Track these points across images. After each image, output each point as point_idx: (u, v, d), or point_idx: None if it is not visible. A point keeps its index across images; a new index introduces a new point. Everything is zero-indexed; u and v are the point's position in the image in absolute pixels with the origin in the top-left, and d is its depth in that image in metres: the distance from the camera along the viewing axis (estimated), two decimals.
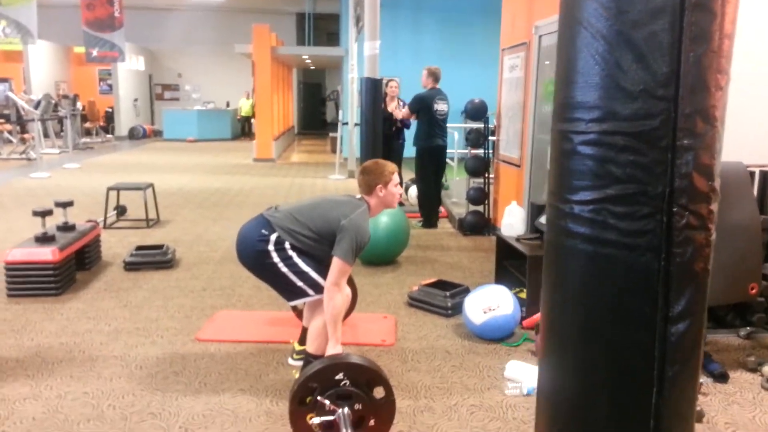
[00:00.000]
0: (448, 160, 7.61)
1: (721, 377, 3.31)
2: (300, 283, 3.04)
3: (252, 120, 20.26)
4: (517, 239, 4.57)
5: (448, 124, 7.38)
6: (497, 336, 3.85)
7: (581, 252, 1.36)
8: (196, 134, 19.70)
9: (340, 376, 2.50)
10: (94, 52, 15.77)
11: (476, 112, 7.00)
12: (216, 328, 4.00)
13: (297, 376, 3.10)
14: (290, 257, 3.01)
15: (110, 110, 20.40)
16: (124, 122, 20.13)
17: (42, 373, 3.32)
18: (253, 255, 3.07)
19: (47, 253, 4.49)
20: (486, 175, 7.11)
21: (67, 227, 5.00)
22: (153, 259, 5.32)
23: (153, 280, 5.01)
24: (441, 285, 4.59)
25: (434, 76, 7.17)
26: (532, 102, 5.88)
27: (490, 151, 7.22)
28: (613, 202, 1.31)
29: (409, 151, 8.06)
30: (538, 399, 1.61)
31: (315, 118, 26.28)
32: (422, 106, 7.08)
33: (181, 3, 21.02)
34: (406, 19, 14.99)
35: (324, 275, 3.01)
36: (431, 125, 7.11)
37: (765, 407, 3.06)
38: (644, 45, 1.23)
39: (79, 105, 16.36)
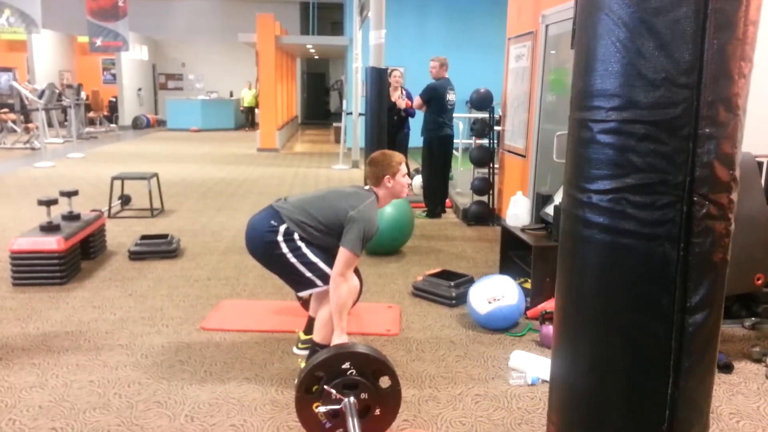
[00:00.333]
0: (453, 150, 7.59)
1: (726, 368, 3.31)
2: (308, 274, 3.03)
3: (255, 110, 20.24)
4: (522, 229, 4.55)
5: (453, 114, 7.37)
6: (502, 326, 3.85)
7: (599, 242, 1.35)
8: (199, 124, 19.68)
9: (346, 365, 2.49)
10: (98, 42, 15.75)
11: (481, 101, 6.96)
12: (221, 318, 3.99)
13: (302, 365, 3.11)
14: (299, 248, 3.01)
15: (114, 100, 20.37)
16: (127, 112, 20.10)
17: (48, 362, 3.32)
18: (261, 246, 3.06)
19: (53, 243, 4.48)
20: (491, 166, 7.09)
21: (72, 216, 5.00)
22: (158, 249, 5.31)
23: (158, 269, 5.01)
24: (445, 275, 4.58)
25: (446, 66, 7.16)
26: (538, 92, 5.84)
27: (495, 141, 7.19)
28: (633, 191, 1.29)
29: (415, 140, 8.04)
30: (551, 388, 1.60)
31: (319, 108, 26.22)
32: (436, 96, 7.06)
33: None
34: (410, 8, 14.92)
35: (332, 266, 3.01)
36: (442, 115, 7.10)
37: None
38: (667, 32, 1.21)
39: (82, 94, 16.32)
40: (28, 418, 2.76)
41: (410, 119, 8.30)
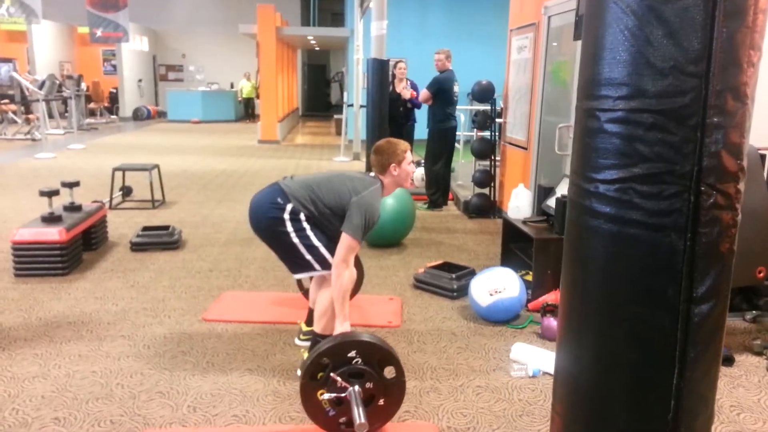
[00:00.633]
0: (455, 143, 7.61)
1: (727, 360, 3.31)
2: (308, 257, 3.02)
3: (254, 101, 20.17)
4: (524, 222, 4.55)
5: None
6: (503, 318, 3.85)
7: (605, 232, 1.34)
8: (200, 115, 19.65)
9: (353, 353, 2.48)
10: (99, 32, 15.71)
11: (483, 94, 6.94)
12: (223, 309, 4.00)
13: (305, 356, 3.11)
14: (303, 229, 2.99)
15: (114, 91, 20.34)
16: (128, 103, 20.08)
17: (50, 352, 3.33)
18: (265, 221, 3.04)
19: (54, 234, 4.48)
20: (492, 158, 7.08)
21: (73, 208, 4.99)
22: (159, 240, 5.31)
23: (159, 260, 5.01)
24: (447, 267, 4.58)
25: (450, 58, 7.17)
26: (540, 84, 5.83)
27: (497, 134, 7.18)
28: (640, 181, 1.28)
29: (420, 133, 8.02)
30: (556, 379, 1.60)
31: (319, 100, 26.17)
32: (443, 88, 7.07)
33: None
34: None
35: (333, 252, 3.01)
36: (449, 107, 7.12)
37: None
38: (676, 20, 1.20)
39: (83, 85, 16.28)
40: (31, 408, 2.77)
41: (416, 111, 8.28)
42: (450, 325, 3.82)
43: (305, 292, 3.83)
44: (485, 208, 6.90)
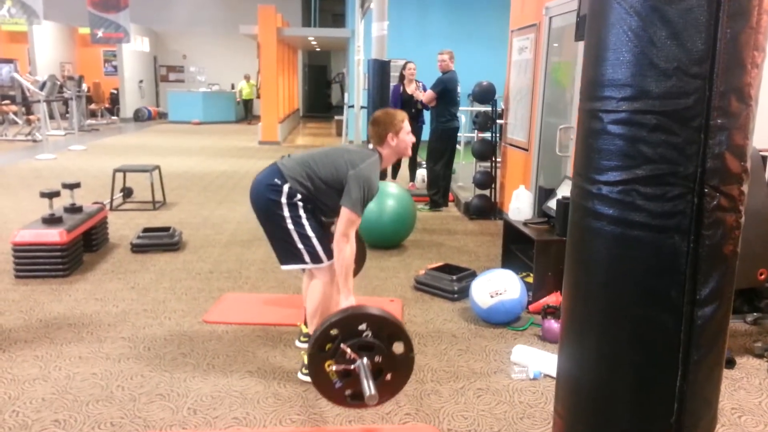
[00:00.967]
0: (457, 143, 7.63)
1: (728, 363, 3.30)
2: (300, 246, 3.01)
3: (253, 102, 20.11)
4: (525, 223, 4.54)
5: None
6: (504, 320, 3.84)
7: (608, 233, 1.33)
8: (201, 116, 19.65)
9: (363, 326, 2.46)
10: (99, 33, 15.72)
11: (484, 95, 6.94)
12: (223, 311, 3.99)
13: (305, 357, 3.10)
14: (300, 216, 2.99)
15: (115, 92, 20.33)
16: (129, 104, 20.07)
17: (50, 354, 3.32)
18: (263, 202, 3.03)
19: (55, 235, 4.48)
20: (493, 159, 7.07)
21: (74, 209, 4.99)
22: (160, 242, 5.31)
23: (160, 262, 5.00)
24: (447, 269, 4.57)
25: (453, 58, 7.20)
26: (541, 85, 5.82)
27: (498, 135, 7.18)
28: (643, 182, 1.28)
29: (426, 134, 8.03)
30: (558, 381, 1.59)
31: (320, 101, 26.17)
32: (448, 88, 7.09)
33: None
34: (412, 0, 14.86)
35: (324, 246, 3.01)
36: (452, 107, 7.15)
37: None
38: (679, 21, 1.20)
39: (84, 86, 16.29)
40: (31, 410, 2.76)
41: (424, 112, 8.29)
42: (451, 327, 3.82)
43: (305, 294, 3.82)
44: (486, 209, 6.89)
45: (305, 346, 3.35)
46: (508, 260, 4.79)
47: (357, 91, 12.21)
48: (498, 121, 7.14)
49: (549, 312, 3.70)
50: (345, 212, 2.95)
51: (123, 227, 6.05)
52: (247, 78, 20.15)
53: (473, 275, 4.34)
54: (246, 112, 20.81)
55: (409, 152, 3.28)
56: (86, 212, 5.03)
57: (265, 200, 3.02)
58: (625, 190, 1.29)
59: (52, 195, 4.80)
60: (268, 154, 12.42)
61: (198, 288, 4.42)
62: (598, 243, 1.37)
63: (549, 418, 2.80)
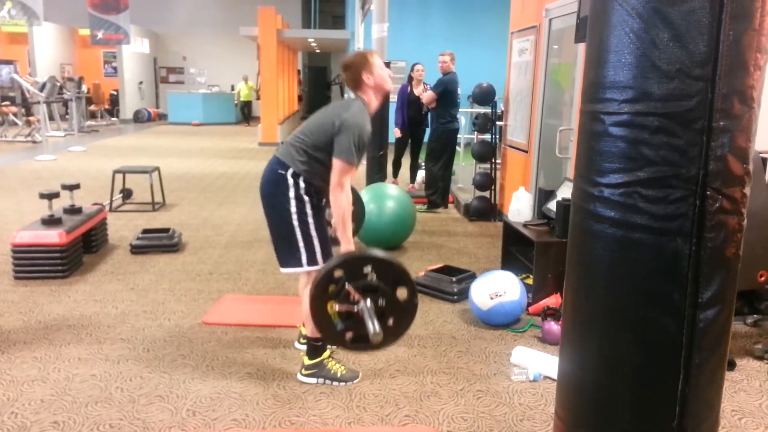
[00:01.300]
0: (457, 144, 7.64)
1: (728, 365, 3.28)
2: (300, 244, 2.98)
3: (251, 104, 20.02)
4: (524, 225, 4.54)
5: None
6: (503, 322, 3.83)
7: (609, 236, 1.33)
8: (200, 118, 19.63)
9: (368, 269, 2.43)
10: (99, 35, 15.73)
11: (484, 96, 6.94)
12: (223, 312, 3.98)
13: (305, 360, 3.10)
14: (306, 214, 2.96)
15: (115, 93, 20.32)
16: (129, 105, 20.06)
17: (50, 356, 3.31)
18: (271, 196, 3.01)
19: (54, 236, 4.47)
20: (493, 161, 7.07)
21: (73, 210, 4.98)
22: (159, 243, 5.30)
23: (159, 263, 4.99)
24: (447, 270, 4.57)
25: (455, 60, 7.22)
26: (541, 86, 5.82)
27: (497, 136, 7.17)
28: (645, 185, 1.27)
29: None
30: (559, 384, 1.58)
31: (320, 103, 26.15)
32: (448, 89, 7.11)
33: None
34: (412, 1, 14.87)
35: (324, 250, 2.98)
36: (453, 109, 7.17)
37: None
38: (682, 23, 1.19)
39: (84, 88, 16.28)
40: (30, 411, 2.75)
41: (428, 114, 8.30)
42: (450, 329, 3.81)
43: None
44: (486, 211, 6.88)
45: (305, 347, 3.34)
46: (508, 262, 4.78)
47: None
48: (498, 123, 7.13)
49: (549, 314, 3.70)
50: (337, 163, 2.88)
51: (122, 228, 6.04)
52: (246, 79, 20.08)
53: (473, 277, 4.33)
54: (243, 114, 20.53)
55: (390, 85, 3.16)
56: (86, 213, 5.02)
57: (272, 194, 3.00)
58: (626, 193, 1.29)
59: (51, 196, 4.79)
60: (268, 156, 12.34)
61: (197, 289, 4.41)
62: (599, 245, 1.36)
63: (549, 420, 2.80)
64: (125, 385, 3.00)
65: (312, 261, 3.00)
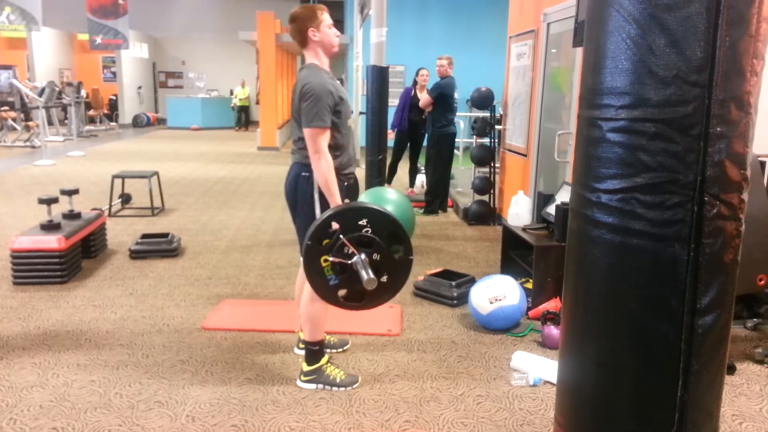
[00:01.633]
0: (454, 149, 7.63)
1: (729, 369, 3.27)
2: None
3: (248, 108, 19.93)
4: (524, 229, 4.53)
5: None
6: (503, 326, 3.83)
7: (607, 242, 1.33)
8: (199, 122, 19.64)
9: (363, 222, 2.40)
10: (98, 40, 15.74)
11: (482, 100, 6.95)
12: (222, 317, 3.98)
13: (303, 365, 3.10)
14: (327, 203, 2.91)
15: (114, 98, 20.33)
16: (127, 110, 20.07)
17: (48, 361, 3.30)
18: (295, 196, 2.99)
19: (53, 241, 4.47)
20: (492, 165, 7.07)
21: (72, 215, 4.98)
22: (158, 248, 5.30)
23: (158, 268, 4.99)
24: (447, 275, 4.57)
25: (452, 64, 7.24)
26: (540, 90, 5.82)
27: (496, 140, 7.18)
28: (643, 191, 1.27)
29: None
30: (559, 389, 1.58)
31: None
32: (444, 93, 7.12)
33: None
34: (411, 6, 14.89)
35: None
36: (449, 113, 7.18)
37: None
38: (678, 29, 1.19)
39: (83, 92, 16.29)
40: (29, 417, 2.75)
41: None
42: (450, 334, 3.81)
43: None
44: (485, 215, 6.89)
45: (304, 353, 3.34)
46: (508, 266, 4.78)
47: (356, 97, 12.21)
48: (497, 127, 7.14)
49: (548, 318, 3.69)
50: (307, 132, 2.83)
51: (121, 233, 6.04)
52: (242, 84, 19.88)
53: (472, 281, 4.33)
54: (240, 119, 20.11)
55: (336, 47, 3.08)
56: (85, 218, 5.02)
57: (297, 197, 2.98)
58: (624, 199, 1.29)
59: (50, 201, 4.79)
60: (267, 160, 12.41)
61: (196, 294, 4.41)
62: (597, 251, 1.36)
63: (549, 425, 2.79)
64: (124, 391, 3.00)
65: None
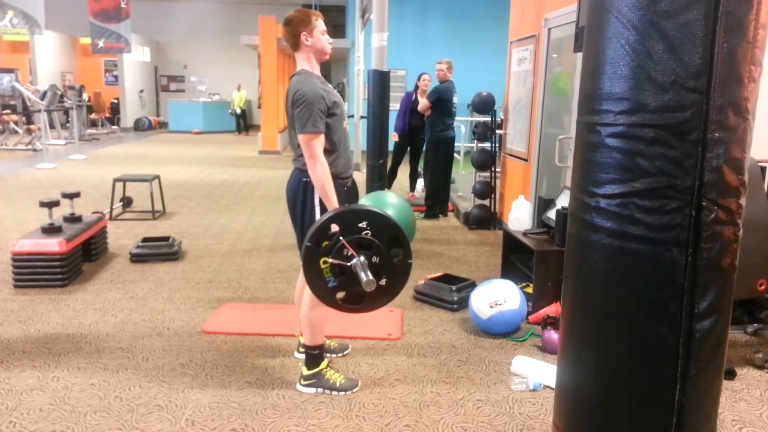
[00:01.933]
0: (455, 154, 7.64)
1: (729, 374, 3.29)
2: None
3: (246, 113, 19.85)
4: (524, 234, 4.54)
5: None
6: (503, 331, 3.83)
7: (606, 246, 1.34)
8: (201, 126, 19.66)
9: (363, 224, 2.40)
10: (101, 43, 15.78)
11: (483, 105, 6.96)
12: (222, 321, 3.98)
13: (303, 369, 3.10)
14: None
15: (116, 101, 20.37)
16: (129, 114, 20.10)
17: (49, 364, 3.31)
18: (296, 201, 3.00)
19: (54, 244, 4.47)
20: (493, 169, 7.08)
21: (73, 218, 4.99)
22: (159, 251, 5.30)
23: (159, 272, 5.00)
24: (447, 279, 4.57)
25: (452, 69, 7.25)
26: (541, 95, 5.83)
27: (497, 145, 7.19)
28: (641, 195, 1.28)
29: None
30: (557, 394, 1.58)
31: None
32: (443, 98, 7.13)
33: None
34: (412, 11, 14.93)
35: None
36: (447, 118, 7.18)
37: None
38: (677, 35, 1.20)
39: (84, 96, 16.32)
40: (29, 420, 2.75)
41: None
42: (450, 338, 3.81)
43: None
44: (485, 219, 6.89)
45: (303, 357, 3.34)
46: (508, 270, 4.78)
47: (357, 101, 12.23)
48: (497, 132, 7.15)
49: (549, 322, 3.69)
50: (302, 138, 2.84)
51: (122, 237, 6.05)
52: (238, 87, 19.60)
53: (473, 285, 4.33)
54: (239, 124, 19.89)
55: (328, 53, 3.09)
56: (86, 222, 5.03)
57: (297, 202, 2.99)
58: (623, 203, 1.30)
59: (51, 204, 4.80)
60: (269, 164, 12.43)
61: (197, 298, 4.41)
62: (596, 256, 1.37)
63: (549, 429, 2.79)
64: (124, 395, 3.00)
65: None
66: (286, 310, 4.19)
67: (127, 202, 7.33)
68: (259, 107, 16.94)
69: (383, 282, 2.43)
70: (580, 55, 4.76)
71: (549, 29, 5.69)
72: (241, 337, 3.73)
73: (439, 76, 7.26)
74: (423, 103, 7.42)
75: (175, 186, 9.11)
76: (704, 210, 1.26)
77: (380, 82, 7.02)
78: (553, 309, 3.88)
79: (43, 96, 13.21)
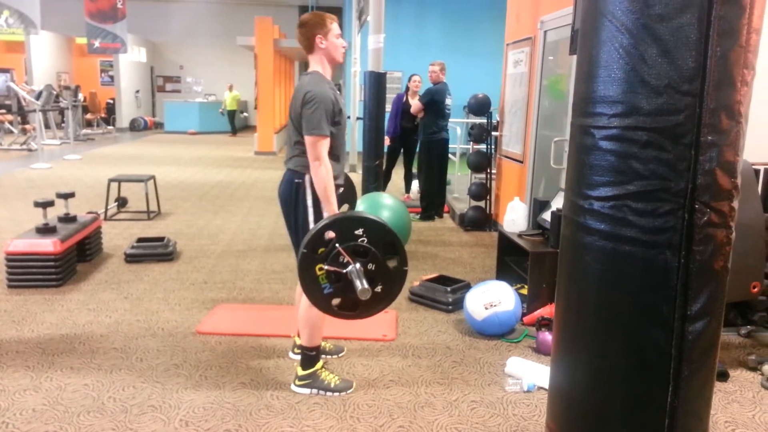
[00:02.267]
0: (450, 155, 7.64)
1: (722, 376, 3.30)
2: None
3: (236, 113, 19.74)
4: (519, 235, 4.55)
5: (450, 119, 7.41)
6: (498, 332, 3.84)
7: (599, 249, 1.34)
8: (197, 127, 19.62)
9: (359, 231, 2.40)
10: (96, 43, 15.75)
11: (479, 107, 6.97)
12: (217, 321, 3.98)
13: (298, 370, 3.10)
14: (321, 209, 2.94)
15: (111, 102, 20.31)
16: (125, 114, 20.04)
17: (42, 365, 3.30)
18: (290, 203, 3.00)
19: (48, 245, 4.46)
20: (488, 171, 7.09)
21: (68, 218, 4.98)
22: (154, 252, 5.29)
23: (154, 272, 4.99)
24: (442, 280, 4.57)
25: (444, 70, 7.25)
26: (536, 97, 5.85)
27: (493, 147, 7.20)
28: (634, 198, 1.28)
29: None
30: (550, 395, 1.59)
31: None
32: (435, 99, 7.13)
33: None
34: (409, 12, 14.95)
35: None
36: (440, 120, 7.18)
37: (765, 406, 3.05)
38: (670, 39, 1.21)
39: (80, 96, 16.28)
40: (22, 421, 2.74)
41: None
42: (445, 339, 3.81)
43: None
44: (481, 221, 6.90)
45: (299, 357, 3.34)
46: (503, 272, 4.79)
47: (353, 102, 12.24)
48: (493, 133, 7.16)
49: (543, 324, 3.70)
50: (308, 139, 2.84)
51: (117, 237, 6.03)
52: (230, 88, 19.35)
53: (468, 287, 4.34)
54: (231, 124, 19.65)
55: (341, 58, 3.12)
56: (80, 222, 5.02)
57: (291, 204, 2.99)
58: (616, 206, 1.30)
59: (46, 204, 4.79)
60: (264, 165, 12.42)
61: (191, 298, 4.41)
62: (589, 258, 1.37)
63: (542, 431, 2.80)
64: (118, 395, 2.99)
65: None
66: (281, 310, 4.19)
67: (122, 202, 7.32)
68: (255, 108, 16.92)
69: (379, 289, 2.44)
70: (575, 57, 4.78)
71: (545, 32, 5.71)
72: (235, 337, 3.73)
73: (432, 77, 7.26)
74: (415, 104, 7.41)
75: (170, 186, 9.10)
76: (697, 213, 1.27)
77: (376, 83, 7.03)
78: (548, 310, 3.88)
79: (38, 96, 13.17)
